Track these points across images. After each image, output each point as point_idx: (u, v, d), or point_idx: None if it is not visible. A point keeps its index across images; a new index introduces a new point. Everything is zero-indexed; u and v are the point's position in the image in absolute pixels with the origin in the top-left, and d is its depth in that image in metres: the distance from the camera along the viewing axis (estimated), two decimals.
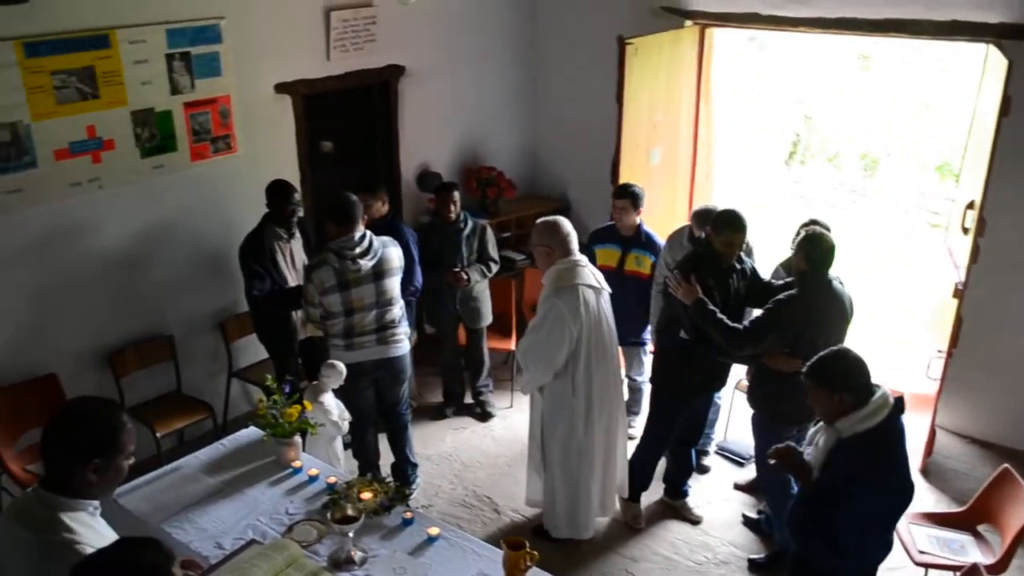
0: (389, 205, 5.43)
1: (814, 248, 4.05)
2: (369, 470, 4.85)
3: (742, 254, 4.46)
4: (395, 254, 4.54)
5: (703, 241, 4.43)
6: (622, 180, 5.54)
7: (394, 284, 4.54)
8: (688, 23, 6.10)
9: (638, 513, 4.86)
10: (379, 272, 4.45)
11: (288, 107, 5.53)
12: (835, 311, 4.11)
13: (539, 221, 4.37)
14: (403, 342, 4.67)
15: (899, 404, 3.08)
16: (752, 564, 4.59)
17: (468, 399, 6.04)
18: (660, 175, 6.20)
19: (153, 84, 4.86)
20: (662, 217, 6.13)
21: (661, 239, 5.23)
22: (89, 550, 2.10)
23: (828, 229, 4.53)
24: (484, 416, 5.89)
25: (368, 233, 4.46)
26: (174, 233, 5.15)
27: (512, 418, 5.92)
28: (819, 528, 3.13)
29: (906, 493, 3.16)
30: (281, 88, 5.46)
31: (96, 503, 2.27)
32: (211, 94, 5.12)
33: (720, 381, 4.74)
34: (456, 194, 5.44)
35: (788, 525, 3.36)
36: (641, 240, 5.19)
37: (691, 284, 4.20)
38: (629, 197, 5.11)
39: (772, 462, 3.31)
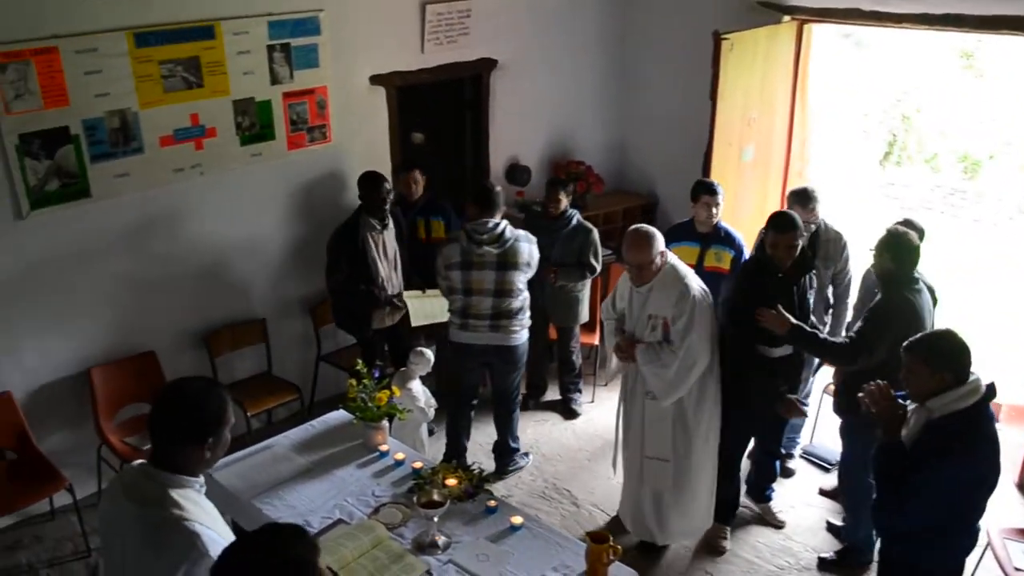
0: (425, 186, 5.51)
1: (899, 245, 3.96)
2: (455, 448, 4.99)
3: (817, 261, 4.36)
4: (526, 249, 4.64)
5: (759, 244, 4.35)
6: (714, 177, 5.47)
7: (517, 277, 4.65)
8: (786, 18, 5.97)
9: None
10: (503, 262, 4.59)
11: (382, 98, 5.63)
12: (927, 307, 4.02)
13: (638, 235, 4.05)
14: (518, 333, 4.78)
15: (991, 390, 3.05)
16: (822, 562, 4.52)
17: (551, 394, 6.05)
18: (752, 173, 6.11)
19: (254, 74, 5.01)
20: (752, 216, 6.04)
21: (740, 234, 5.15)
22: (198, 527, 2.17)
23: (921, 231, 4.40)
24: (570, 414, 5.89)
25: (504, 224, 4.63)
26: (269, 219, 5.30)
27: (593, 413, 5.91)
28: (904, 511, 3.07)
29: (994, 477, 3.10)
30: (376, 80, 5.55)
31: (202, 480, 2.33)
32: (309, 85, 5.24)
33: (776, 388, 4.35)
34: (563, 191, 5.44)
35: (874, 508, 3.28)
36: (720, 236, 5.10)
37: (778, 313, 4.03)
38: (720, 194, 5.02)
39: (863, 395, 3.22)
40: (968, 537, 3.24)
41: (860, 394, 3.25)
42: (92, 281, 4.67)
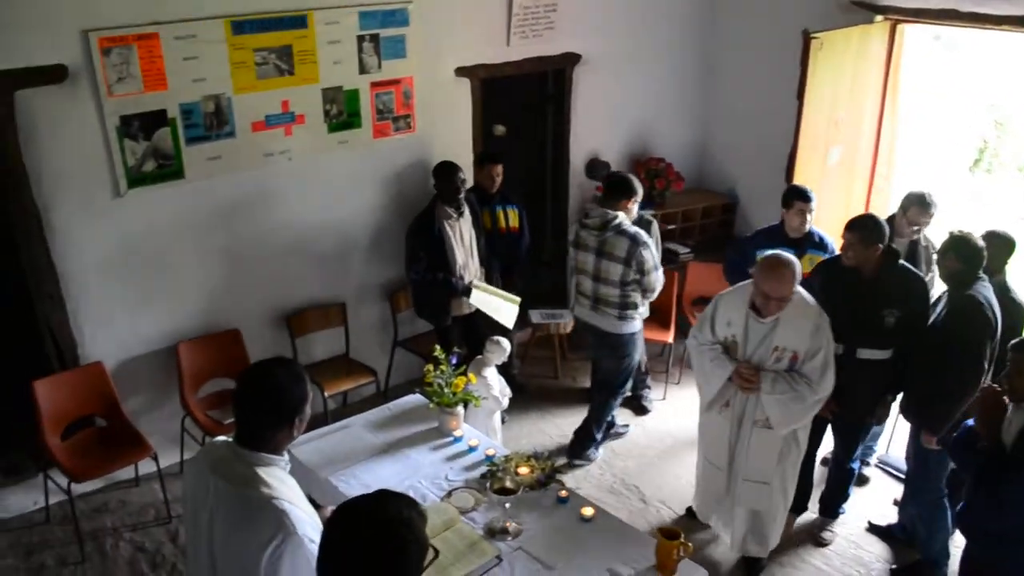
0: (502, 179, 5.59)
1: (964, 245, 3.93)
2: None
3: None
4: (625, 246, 4.72)
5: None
6: (797, 179, 5.39)
7: (613, 269, 4.78)
8: (878, 18, 5.84)
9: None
10: (600, 251, 4.81)
11: (466, 90, 5.69)
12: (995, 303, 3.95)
13: (781, 265, 3.72)
14: (615, 321, 4.92)
15: None
16: (894, 573, 4.45)
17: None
18: (837, 175, 5.99)
19: (343, 64, 5.11)
20: (835, 219, 5.92)
21: (832, 240, 5.06)
22: (286, 505, 2.23)
23: (1011, 240, 4.27)
24: (641, 410, 5.88)
25: (614, 216, 4.77)
26: (353, 206, 5.42)
27: (664, 411, 5.89)
28: (1003, 512, 3.05)
29: None
30: (461, 72, 5.62)
31: (286, 458, 2.39)
32: (396, 75, 5.33)
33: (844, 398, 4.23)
34: None
35: (965, 510, 3.23)
36: (814, 241, 5.01)
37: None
38: (813, 200, 4.93)
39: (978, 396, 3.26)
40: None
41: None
42: (183, 260, 4.84)
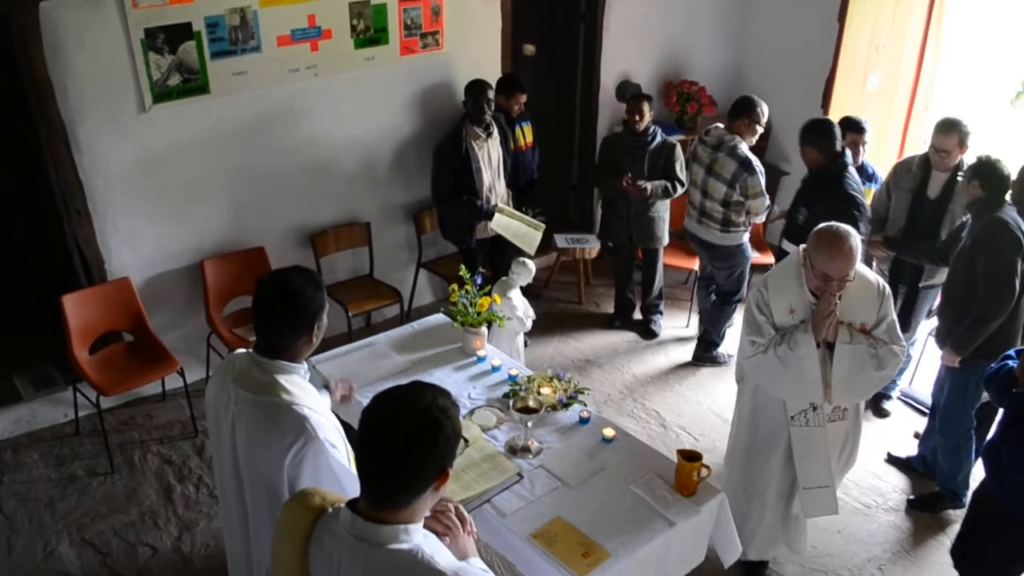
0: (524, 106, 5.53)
1: (988, 171, 3.87)
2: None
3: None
4: (730, 167, 4.90)
5: None
6: (834, 104, 5.25)
7: (719, 188, 4.98)
8: None
9: None
10: (710, 168, 5.02)
11: (496, 7, 5.54)
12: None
13: (841, 240, 3.14)
14: (717, 233, 5.15)
15: None
16: (912, 503, 4.48)
17: (638, 315, 6.03)
18: (875, 101, 5.83)
19: None
20: (874, 147, 5.79)
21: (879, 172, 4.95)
22: (306, 411, 2.26)
23: None
24: (648, 334, 5.87)
25: (733, 138, 4.94)
26: (378, 124, 5.34)
27: (685, 337, 5.89)
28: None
29: None
30: None
31: (305, 367, 2.41)
32: None
33: None
34: (647, 106, 5.30)
35: (991, 453, 3.22)
36: (867, 173, 4.90)
37: None
38: (867, 131, 4.82)
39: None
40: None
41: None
42: (208, 176, 4.82)
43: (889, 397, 5.20)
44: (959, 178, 4.43)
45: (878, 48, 5.63)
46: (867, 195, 4.86)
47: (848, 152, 4.48)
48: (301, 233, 5.29)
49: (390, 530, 1.76)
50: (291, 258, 5.22)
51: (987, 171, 3.89)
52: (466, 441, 1.86)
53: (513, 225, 5.21)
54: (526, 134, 5.63)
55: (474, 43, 5.52)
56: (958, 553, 3.61)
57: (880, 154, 5.90)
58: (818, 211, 4.17)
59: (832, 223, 3.21)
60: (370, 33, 5.09)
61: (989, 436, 3.39)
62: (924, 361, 5.23)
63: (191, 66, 4.54)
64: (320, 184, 5.23)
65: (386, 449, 1.72)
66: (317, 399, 2.39)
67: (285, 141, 5.01)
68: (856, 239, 3.17)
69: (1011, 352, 3.34)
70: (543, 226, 5.28)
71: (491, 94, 5.05)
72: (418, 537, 1.80)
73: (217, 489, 2.54)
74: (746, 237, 5.25)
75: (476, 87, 5.04)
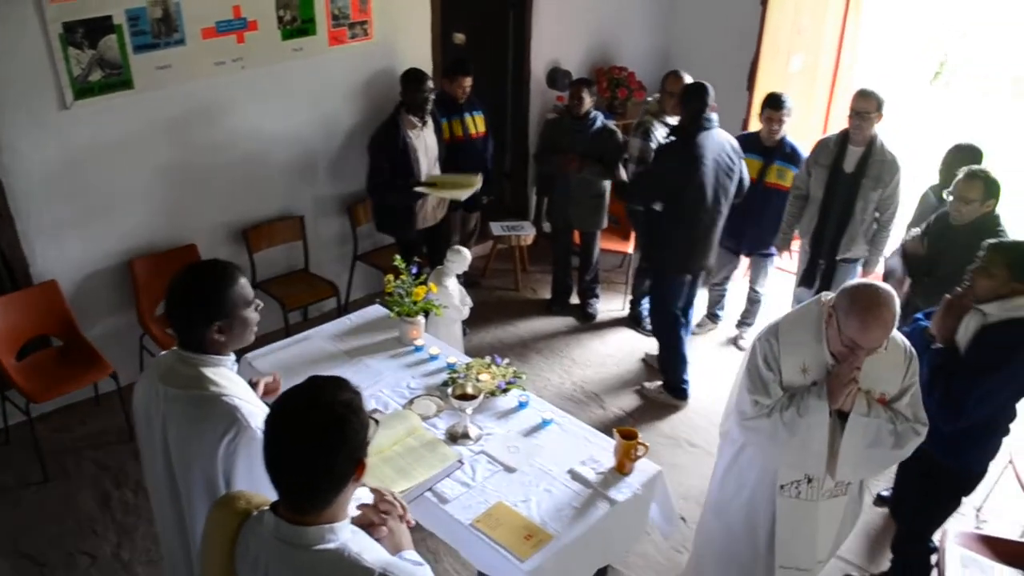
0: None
1: (998, 186, 3.86)
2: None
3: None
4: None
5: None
6: (759, 86, 5.36)
7: None
8: None
9: None
10: None
11: None
12: None
13: (877, 307, 2.63)
14: None
15: None
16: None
17: (575, 299, 6.09)
18: (799, 82, 5.97)
19: None
20: (797, 127, 5.92)
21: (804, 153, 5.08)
22: (236, 400, 2.23)
23: (979, 154, 4.31)
24: (586, 317, 5.93)
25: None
26: (309, 116, 5.29)
27: (623, 322, 5.96)
28: (964, 411, 3.14)
29: None
30: None
31: (233, 358, 2.37)
32: None
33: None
34: (587, 91, 5.35)
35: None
36: (785, 151, 5.04)
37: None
38: (785, 108, 4.95)
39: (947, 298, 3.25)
40: (999, 439, 3.35)
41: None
42: (135, 172, 4.72)
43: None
44: (875, 151, 4.61)
45: (800, 31, 5.77)
46: (786, 176, 5.01)
47: (715, 117, 4.60)
48: (233, 229, 5.22)
49: (315, 531, 1.75)
50: (223, 254, 5.12)
51: (997, 187, 3.83)
52: (376, 422, 1.86)
53: (446, 183, 5.18)
54: (477, 123, 5.62)
55: (403, 32, 5.49)
56: (893, 503, 3.77)
57: (804, 134, 6.03)
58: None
59: (872, 282, 2.73)
60: (297, 24, 5.03)
61: None
62: None
63: (113, 61, 4.44)
64: (251, 179, 5.16)
65: (294, 451, 1.70)
66: (247, 390, 2.36)
67: (214, 136, 4.93)
68: (897, 304, 2.65)
69: (919, 315, 3.48)
70: (478, 178, 5.23)
71: (430, 84, 5.03)
72: (344, 535, 1.79)
73: (150, 493, 2.50)
74: None
75: (413, 77, 5.00)
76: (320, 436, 1.71)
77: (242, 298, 2.31)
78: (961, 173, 3.93)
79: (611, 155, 5.41)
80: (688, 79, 5.11)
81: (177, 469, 2.29)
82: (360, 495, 2.40)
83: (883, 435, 2.82)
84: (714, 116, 4.57)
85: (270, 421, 1.75)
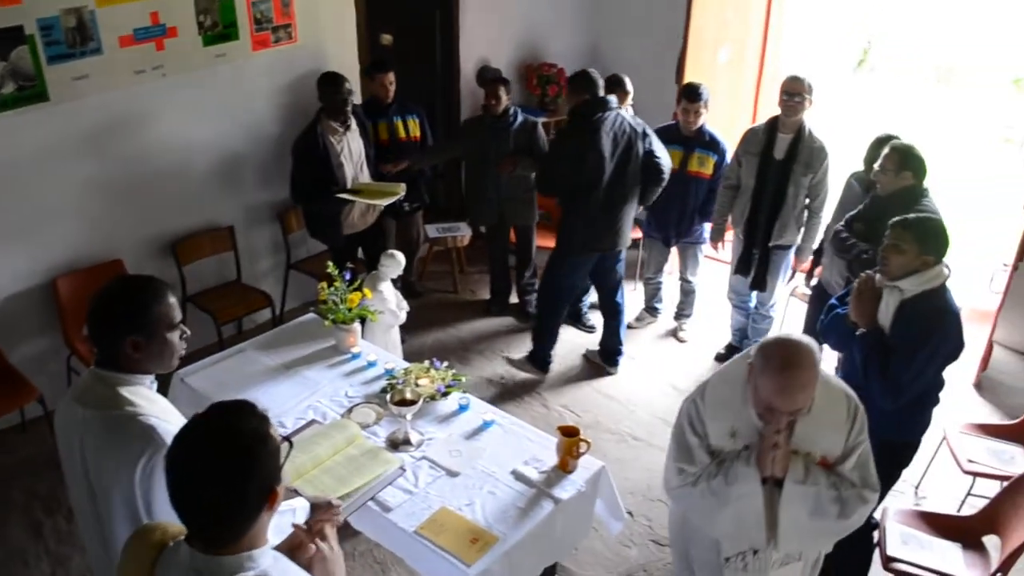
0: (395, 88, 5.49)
1: (918, 160, 3.95)
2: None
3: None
4: None
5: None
6: (688, 79, 5.41)
7: None
8: None
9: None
10: None
11: None
12: None
13: (790, 368, 2.35)
14: None
15: (949, 269, 3.22)
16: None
17: (514, 298, 6.07)
18: (727, 74, 6.05)
19: None
20: (726, 117, 6.02)
21: (723, 139, 5.14)
22: (153, 420, 2.14)
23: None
24: (525, 316, 5.91)
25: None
26: (235, 123, 5.18)
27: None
28: (900, 388, 3.20)
29: (961, 349, 3.27)
30: None
31: (152, 377, 2.28)
32: None
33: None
34: (503, 89, 5.33)
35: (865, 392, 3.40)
36: (704, 140, 5.12)
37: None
38: (702, 99, 5.00)
39: (856, 288, 3.32)
40: (931, 410, 3.43)
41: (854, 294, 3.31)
42: (55, 188, 4.54)
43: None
44: (804, 138, 4.69)
45: (725, 23, 5.84)
46: (707, 163, 5.07)
47: (612, 99, 4.66)
48: (161, 242, 5.08)
49: (233, 560, 1.68)
50: (151, 269, 5.00)
51: (917, 161, 3.95)
52: (290, 444, 1.79)
53: (372, 193, 5.12)
54: (410, 127, 5.56)
55: (329, 35, 5.41)
56: None
57: (733, 123, 6.14)
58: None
59: (790, 338, 2.42)
60: (219, 29, 4.92)
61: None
62: (787, 321, 5.46)
63: (26, 72, 4.28)
64: (177, 189, 5.03)
65: (197, 488, 1.63)
66: (167, 409, 2.28)
67: (137, 146, 4.79)
68: (818, 360, 2.39)
69: (834, 301, 3.56)
70: (402, 186, 5.16)
71: (347, 86, 4.96)
72: (265, 561, 1.72)
73: (77, 519, 2.41)
74: None
75: (329, 79, 4.93)
76: (225, 470, 1.63)
77: (166, 318, 2.22)
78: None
79: (539, 147, 5.41)
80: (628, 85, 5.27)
81: (98, 493, 2.21)
82: (295, 505, 2.36)
83: (825, 503, 2.50)
84: (611, 99, 4.66)
85: (170, 457, 1.67)
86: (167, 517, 1.96)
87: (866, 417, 2.57)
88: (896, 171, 3.95)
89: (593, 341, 5.53)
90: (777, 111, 4.77)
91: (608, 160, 4.58)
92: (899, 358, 3.16)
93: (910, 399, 3.26)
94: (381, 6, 5.74)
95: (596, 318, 5.96)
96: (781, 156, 4.75)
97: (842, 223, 4.30)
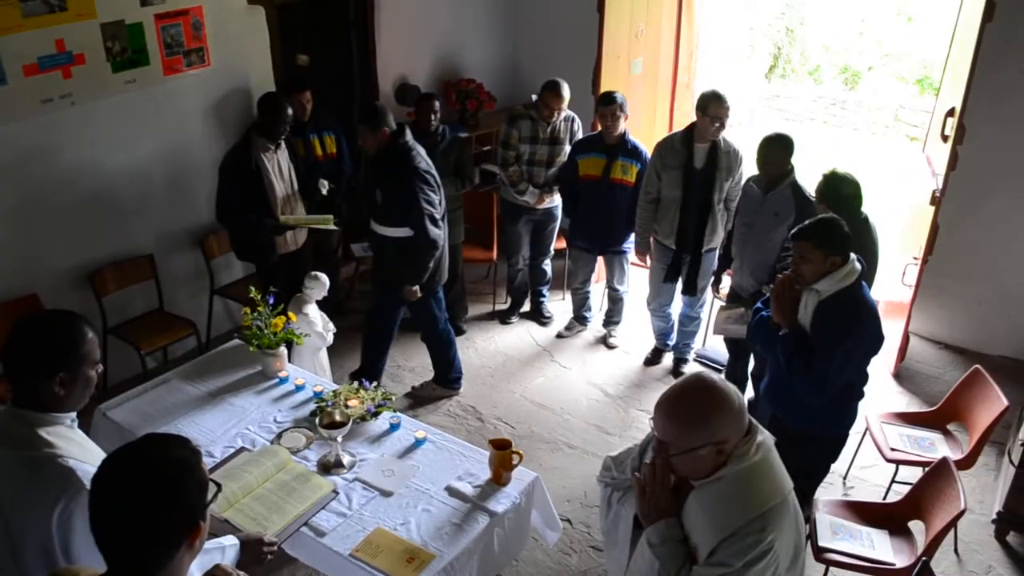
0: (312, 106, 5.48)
1: (836, 192, 4.01)
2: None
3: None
4: None
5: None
6: (603, 90, 5.50)
7: None
8: None
9: None
10: None
11: (261, 18, 5.39)
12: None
13: (679, 394, 2.06)
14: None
15: (863, 264, 3.34)
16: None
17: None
18: (641, 84, 6.16)
19: None
20: (644, 126, 6.13)
21: (646, 148, 5.24)
22: (72, 462, 2.09)
23: (789, 142, 4.47)
24: (456, 331, 5.87)
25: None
26: (149, 149, 5.08)
27: (493, 331, 5.99)
28: (825, 385, 3.30)
29: (881, 342, 3.41)
30: None
31: (72, 415, 2.23)
32: (182, 5, 4.97)
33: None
34: (436, 104, 5.34)
35: (778, 386, 3.53)
36: (627, 148, 5.20)
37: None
38: (617, 103, 5.09)
39: (774, 288, 3.41)
40: (857, 403, 3.54)
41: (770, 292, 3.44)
42: None
43: (687, 360, 5.54)
44: (720, 143, 4.83)
45: (638, 35, 5.95)
46: (630, 171, 5.17)
47: (407, 130, 4.61)
48: (78, 274, 4.94)
49: None
50: (69, 303, 4.85)
51: (833, 194, 3.98)
52: (218, 486, 1.77)
53: (302, 221, 5.09)
54: (327, 144, 5.54)
55: (243, 57, 5.35)
56: None
57: (651, 132, 6.26)
58: (391, 190, 4.54)
59: (697, 377, 2.09)
60: (128, 55, 4.82)
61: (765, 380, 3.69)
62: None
63: None
64: (93, 219, 4.90)
65: (117, 514, 1.60)
66: (87, 449, 2.22)
67: (48, 176, 4.65)
68: (710, 409, 1.99)
69: (759, 304, 3.67)
70: (331, 217, 5.13)
71: (289, 112, 4.91)
72: None
73: None
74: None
75: (275, 103, 4.87)
76: (148, 495, 1.61)
77: (90, 355, 2.19)
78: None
79: (466, 166, 5.44)
80: (566, 92, 5.37)
81: (15, 537, 2.14)
82: (224, 543, 2.32)
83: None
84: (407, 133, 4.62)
85: (95, 481, 1.64)
86: (86, 561, 1.91)
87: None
88: (818, 203, 4.07)
89: (527, 346, 5.56)
90: (691, 119, 4.89)
91: (435, 194, 4.62)
92: (820, 355, 3.26)
93: (835, 393, 3.37)
94: (295, 27, 5.70)
95: (554, 308, 6.14)
96: (701, 165, 4.87)
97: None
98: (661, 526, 2.09)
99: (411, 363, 5.56)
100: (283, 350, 3.85)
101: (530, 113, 5.53)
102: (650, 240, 5.24)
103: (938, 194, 5.03)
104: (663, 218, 5.08)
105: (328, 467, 3.26)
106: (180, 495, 1.63)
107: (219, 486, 1.77)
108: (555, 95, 5.34)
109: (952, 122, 4.99)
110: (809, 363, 3.28)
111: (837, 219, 3.33)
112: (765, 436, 2.09)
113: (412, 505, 3.12)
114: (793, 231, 3.34)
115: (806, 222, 3.35)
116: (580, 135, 5.58)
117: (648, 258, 5.33)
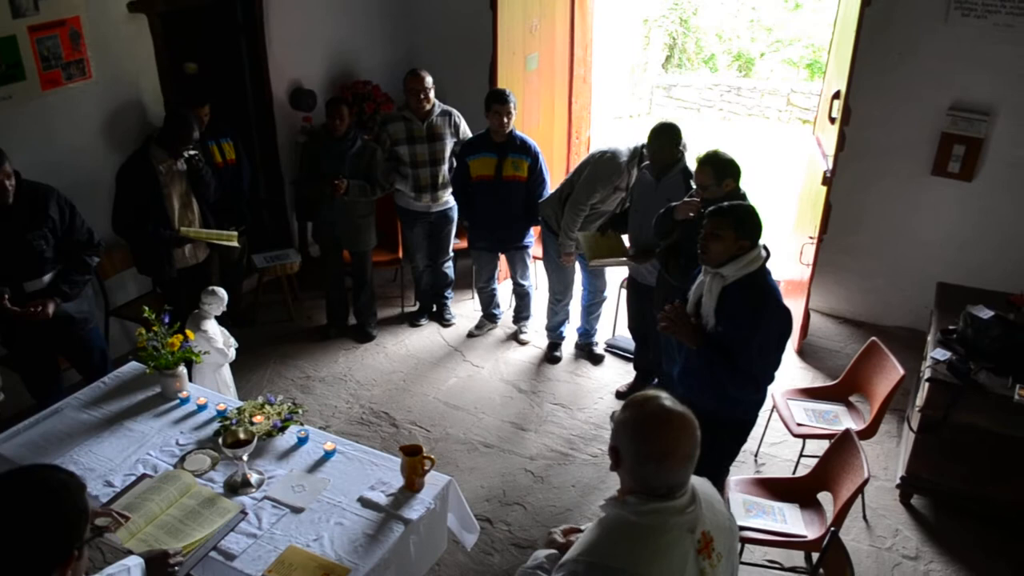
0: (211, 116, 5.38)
1: (730, 164, 4.05)
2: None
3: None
4: None
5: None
6: (500, 86, 5.50)
7: None
8: None
9: None
10: None
11: (144, 27, 5.20)
12: None
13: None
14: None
15: (768, 251, 3.38)
16: (619, 393, 5.22)
17: (352, 320, 5.98)
18: (538, 81, 6.18)
19: None
20: (542, 121, 6.15)
21: (534, 142, 5.26)
22: None
23: (676, 130, 4.51)
24: (365, 337, 5.85)
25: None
26: (28, 167, 4.81)
27: (403, 334, 5.93)
28: (756, 377, 3.34)
29: (791, 325, 3.44)
30: (135, 7, 5.11)
31: None
32: (58, 15, 4.74)
33: None
34: (345, 109, 5.26)
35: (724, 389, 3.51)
36: (516, 144, 5.21)
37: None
38: (510, 102, 5.08)
39: (663, 325, 3.42)
40: (765, 388, 3.55)
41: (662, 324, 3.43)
42: None
43: (595, 343, 5.62)
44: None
45: (532, 30, 5.96)
46: (522, 167, 5.19)
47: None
48: None
49: None
50: None
51: (731, 166, 4.03)
52: (98, 529, 1.72)
53: (203, 234, 4.95)
54: (224, 150, 5.40)
55: (127, 67, 5.15)
56: None
57: (550, 127, 6.29)
58: None
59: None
60: (1, 69, 4.59)
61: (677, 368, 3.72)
62: (622, 311, 5.63)
63: None
64: None
65: None
66: None
67: None
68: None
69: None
70: (234, 233, 5.04)
71: (197, 133, 4.77)
72: None
73: None
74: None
75: (185, 121, 4.71)
76: (14, 529, 1.56)
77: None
78: (693, 164, 4.20)
79: (375, 175, 5.36)
80: (426, 74, 5.41)
81: None
82: (129, 564, 2.24)
83: None
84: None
85: None
86: None
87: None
88: (717, 183, 4.04)
89: (458, 334, 5.53)
90: (590, 109, 4.91)
91: None
92: (740, 350, 3.27)
93: (770, 382, 3.40)
94: (182, 36, 5.52)
95: (463, 308, 6.18)
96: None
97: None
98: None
99: (321, 373, 5.46)
100: (182, 370, 3.72)
101: (402, 114, 5.49)
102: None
103: (829, 175, 5.19)
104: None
105: (235, 488, 3.17)
106: (55, 518, 1.58)
107: (100, 532, 1.71)
108: (414, 77, 5.36)
109: (838, 104, 5.15)
110: (733, 363, 3.29)
111: (754, 208, 3.37)
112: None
113: (324, 519, 3.05)
114: (711, 208, 3.37)
115: (725, 203, 3.39)
116: (464, 128, 5.56)
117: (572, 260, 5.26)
